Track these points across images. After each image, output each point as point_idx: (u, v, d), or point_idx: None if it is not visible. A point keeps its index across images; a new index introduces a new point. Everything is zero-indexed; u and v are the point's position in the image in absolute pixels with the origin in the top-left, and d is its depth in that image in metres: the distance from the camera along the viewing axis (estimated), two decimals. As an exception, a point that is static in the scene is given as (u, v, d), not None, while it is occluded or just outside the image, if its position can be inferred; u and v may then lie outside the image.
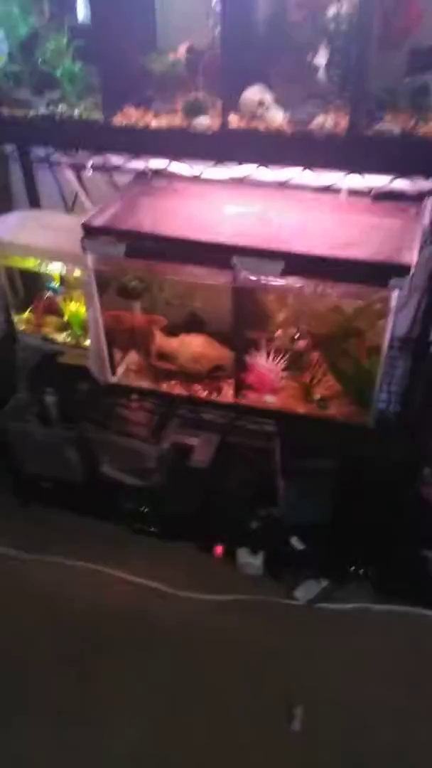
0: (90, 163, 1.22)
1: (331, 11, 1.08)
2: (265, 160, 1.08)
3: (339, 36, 1.08)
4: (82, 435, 1.77)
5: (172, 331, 1.57)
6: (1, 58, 1.24)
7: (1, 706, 1.50)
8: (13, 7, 1.25)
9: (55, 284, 1.62)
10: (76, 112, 1.15)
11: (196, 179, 1.46)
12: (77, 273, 1.51)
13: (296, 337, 1.44)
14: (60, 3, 1.22)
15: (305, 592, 1.68)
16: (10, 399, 1.86)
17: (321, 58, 1.10)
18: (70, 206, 1.70)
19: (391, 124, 1.01)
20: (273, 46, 1.13)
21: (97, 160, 1.21)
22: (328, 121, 1.02)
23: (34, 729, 1.45)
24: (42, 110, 1.17)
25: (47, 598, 1.72)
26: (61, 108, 1.16)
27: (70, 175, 1.63)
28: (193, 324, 1.59)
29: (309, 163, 1.06)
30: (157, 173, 1.49)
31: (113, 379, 1.58)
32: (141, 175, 1.52)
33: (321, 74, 1.10)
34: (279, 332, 1.42)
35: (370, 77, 1.07)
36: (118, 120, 1.13)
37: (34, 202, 1.73)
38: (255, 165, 1.10)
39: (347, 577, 1.69)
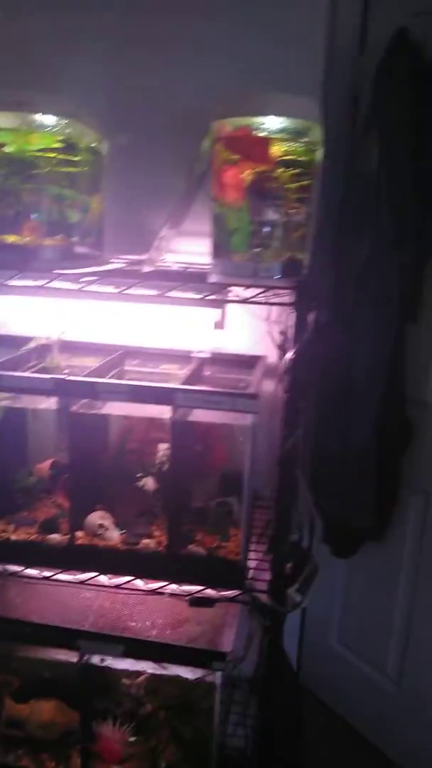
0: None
1: (160, 452, 1.50)
2: (103, 570, 1.34)
3: (162, 471, 1.48)
4: None
5: (24, 691, 1.61)
6: None
7: None
8: None
9: None
10: None
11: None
12: None
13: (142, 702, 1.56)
14: None
15: None
16: None
17: (150, 484, 1.48)
18: None
19: (199, 547, 1.34)
20: (113, 473, 1.50)
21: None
22: (152, 543, 1.34)
23: None
24: None
25: None
26: None
27: None
28: (42, 687, 1.64)
29: (138, 574, 1.33)
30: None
31: (-43, 755, 1.54)
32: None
33: (150, 497, 1.46)
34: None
35: (190, 498, 1.44)
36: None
37: None
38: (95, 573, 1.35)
39: None
